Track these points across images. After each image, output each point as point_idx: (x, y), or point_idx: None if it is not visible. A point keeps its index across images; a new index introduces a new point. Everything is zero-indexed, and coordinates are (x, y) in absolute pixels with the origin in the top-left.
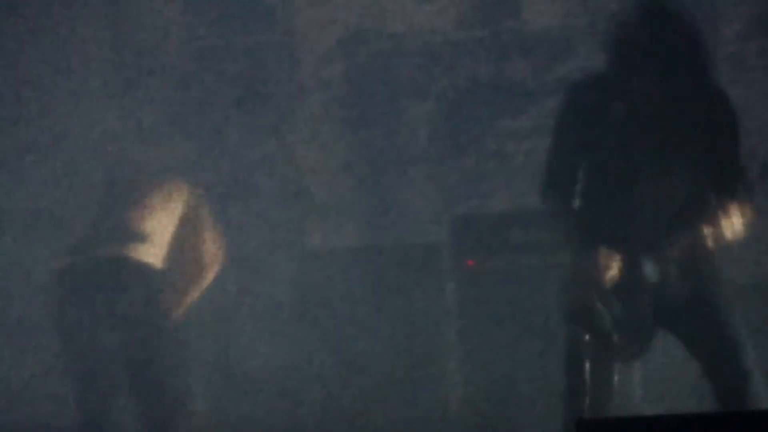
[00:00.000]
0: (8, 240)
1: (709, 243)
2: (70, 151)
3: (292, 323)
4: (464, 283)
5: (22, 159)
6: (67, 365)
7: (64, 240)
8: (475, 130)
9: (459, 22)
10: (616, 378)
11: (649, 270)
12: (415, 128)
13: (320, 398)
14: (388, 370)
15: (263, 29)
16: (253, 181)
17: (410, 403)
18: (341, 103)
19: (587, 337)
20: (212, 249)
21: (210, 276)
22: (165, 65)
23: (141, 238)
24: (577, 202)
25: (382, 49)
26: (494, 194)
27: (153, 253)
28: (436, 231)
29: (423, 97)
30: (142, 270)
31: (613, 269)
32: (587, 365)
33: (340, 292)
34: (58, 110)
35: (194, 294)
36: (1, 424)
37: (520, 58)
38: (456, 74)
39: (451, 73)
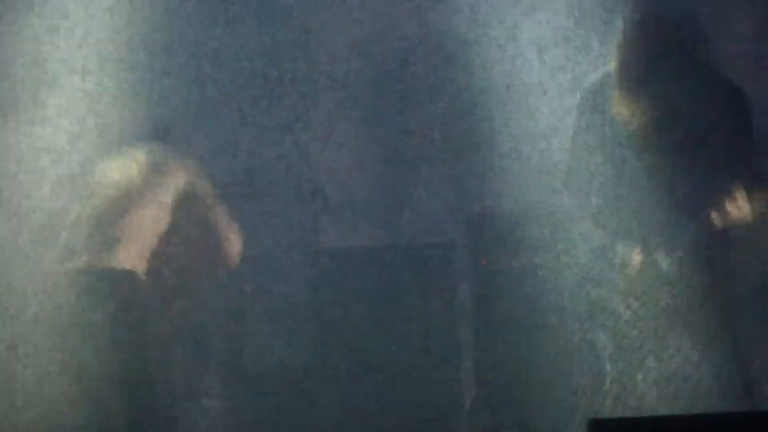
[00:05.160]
0: (25, 240)
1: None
2: (87, 151)
3: (307, 322)
4: (479, 282)
5: (39, 159)
6: (83, 364)
7: (81, 240)
8: (489, 129)
9: (473, 22)
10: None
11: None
12: (430, 127)
13: (335, 397)
14: (402, 369)
15: (279, 29)
16: (268, 180)
17: (425, 403)
18: (356, 102)
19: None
20: (227, 247)
21: (223, 274)
22: (180, 65)
23: (156, 238)
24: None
25: (396, 48)
26: (509, 193)
27: (168, 252)
28: (450, 230)
29: (437, 97)
30: (158, 269)
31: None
32: None
33: (355, 291)
34: (75, 111)
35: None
36: (15, 422)
37: (534, 57)
38: (470, 74)
39: (465, 72)
